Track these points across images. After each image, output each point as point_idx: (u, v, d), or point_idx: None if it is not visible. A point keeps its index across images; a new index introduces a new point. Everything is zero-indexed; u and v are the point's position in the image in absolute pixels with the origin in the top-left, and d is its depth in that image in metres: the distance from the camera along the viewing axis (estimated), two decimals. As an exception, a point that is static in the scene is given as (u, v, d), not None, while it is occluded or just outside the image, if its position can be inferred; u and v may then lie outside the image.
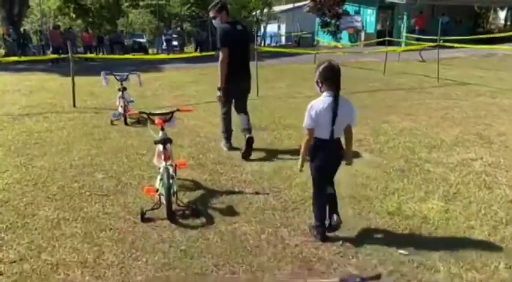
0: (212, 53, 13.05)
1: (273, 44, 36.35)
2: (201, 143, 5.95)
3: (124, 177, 4.69)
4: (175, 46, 26.24)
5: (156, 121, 4.07)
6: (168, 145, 3.87)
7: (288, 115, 7.42)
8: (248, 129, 5.19)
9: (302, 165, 3.25)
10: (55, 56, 11.01)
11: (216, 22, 5.33)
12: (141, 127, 6.84)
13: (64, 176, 4.76)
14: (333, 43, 23.62)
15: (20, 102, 9.32)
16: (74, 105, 8.60)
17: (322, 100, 3.11)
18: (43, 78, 13.77)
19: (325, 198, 3.29)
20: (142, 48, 29.24)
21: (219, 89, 5.24)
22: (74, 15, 31.15)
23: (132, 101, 7.55)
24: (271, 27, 39.61)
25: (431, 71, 12.07)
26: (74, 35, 25.27)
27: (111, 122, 7.12)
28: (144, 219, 3.60)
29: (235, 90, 5.26)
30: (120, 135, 6.41)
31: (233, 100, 5.37)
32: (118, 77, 7.45)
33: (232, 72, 5.13)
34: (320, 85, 3.15)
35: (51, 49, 20.35)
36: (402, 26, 21.61)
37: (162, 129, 4.03)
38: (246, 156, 5.11)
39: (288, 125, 6.78)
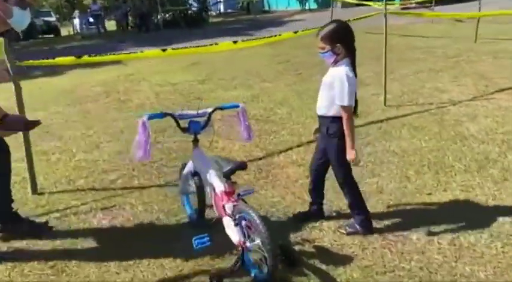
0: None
1: (214, 13, 30.86)
2: None
3: None
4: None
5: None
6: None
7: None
8: None
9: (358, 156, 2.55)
10: None
11: None
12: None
13: None
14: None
15: None
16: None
17: (346, 70, 2.48)
18: None
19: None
20: (53, 29, 23.02)
21: None
22: None
23: (249, 192, 2.45)
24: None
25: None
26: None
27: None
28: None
29: None
30: None
31: None
32: (185, 121, 2.39)
33: None
34: (338, 52, 2.48)
35: None
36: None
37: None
38: None
39: None
